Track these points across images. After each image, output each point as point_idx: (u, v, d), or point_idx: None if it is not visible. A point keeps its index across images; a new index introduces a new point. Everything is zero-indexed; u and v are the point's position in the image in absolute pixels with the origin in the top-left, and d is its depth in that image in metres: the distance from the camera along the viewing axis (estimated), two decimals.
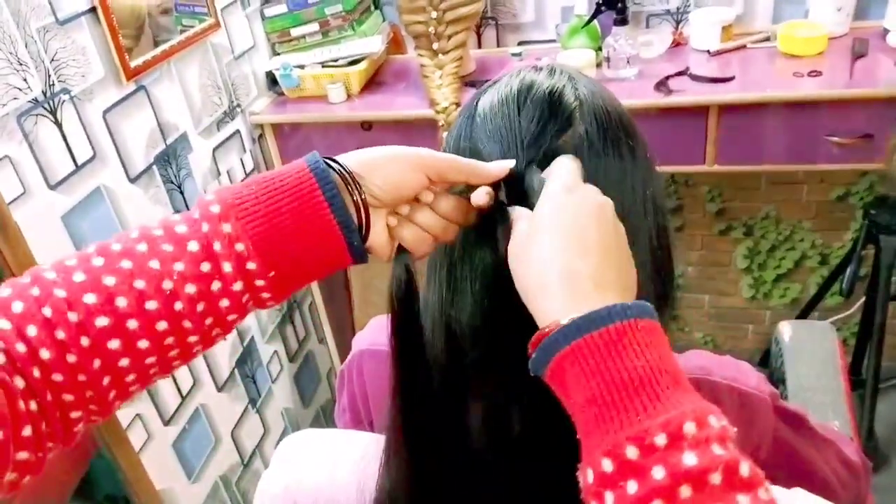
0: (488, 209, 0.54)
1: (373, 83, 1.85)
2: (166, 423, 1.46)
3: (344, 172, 0.52)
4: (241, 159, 1.74)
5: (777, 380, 1.07)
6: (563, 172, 0.51)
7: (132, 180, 1.38)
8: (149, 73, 1.41)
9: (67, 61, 1.22)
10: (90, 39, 1.26)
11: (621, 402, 0.40)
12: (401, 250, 0.56)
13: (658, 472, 0.37)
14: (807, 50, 1.61)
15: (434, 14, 1.61)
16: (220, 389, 1.65)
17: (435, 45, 1.65)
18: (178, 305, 0.48)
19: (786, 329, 1.10)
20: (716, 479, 0.37)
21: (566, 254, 0.45)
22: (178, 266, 0.48)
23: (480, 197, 0.53)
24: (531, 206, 0.51)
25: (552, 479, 0.56)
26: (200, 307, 0.48)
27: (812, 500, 0.61)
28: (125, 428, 1.34)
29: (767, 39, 1.71)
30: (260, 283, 0.50)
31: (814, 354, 1.05)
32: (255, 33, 1.79)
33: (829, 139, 1.50)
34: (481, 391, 0.57)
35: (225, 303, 0.49)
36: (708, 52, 1.71)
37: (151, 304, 0.47)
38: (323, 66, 1.78)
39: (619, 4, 1.64)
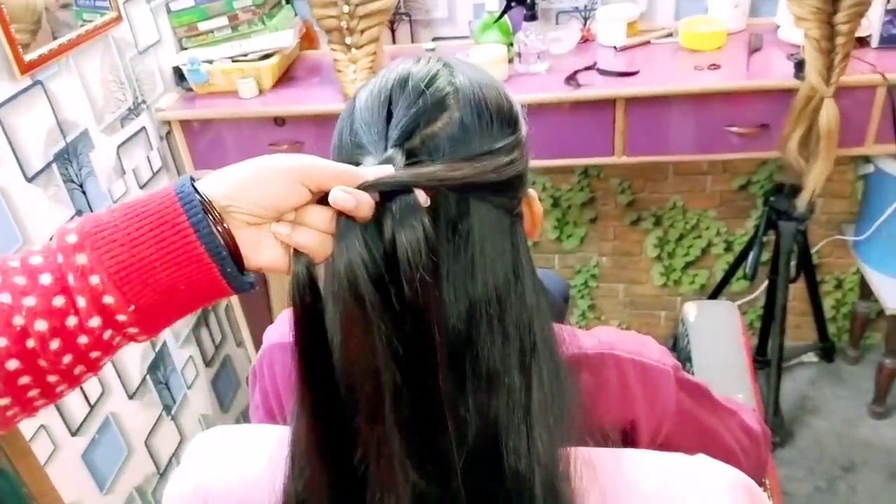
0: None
1: (285, 78, 1.82)
2: (74, 433, 1.40)
3: (204, 202, 0.48)
4: (149, 157, 1.68)
5: (684, 358, 1.12)
6: None
7: (29, 179, 1.31)
8: (45, 67, 1.34)
9: None
10: None
11: None
12: (298, 252, 0.52)
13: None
14: (707, 45, 1.68)
15: (346, 8, 1.59)
16: (131, 397, 1.59)
17: (348, 40, 1.63)
18: (31, 343, 0.44)
19: (691, 309, 1.15)
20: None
21: None
22: (29, 301, 0.44)
23: (365, 211, 0.50)
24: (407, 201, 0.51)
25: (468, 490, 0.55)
26: (55, 345, 0.45)
27: (714, 466, 0.63)
28: (28, 440, 1.28)
29: (670, 35, 1.78)
30: (122, 317, 0.46)
31: (717, 332, 1.10)
32: (161, 27, 1.74)
33: (728, 129, 1.57)
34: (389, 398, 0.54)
35: (84, 339, 0.46)
36: (614, 47, 1.76)
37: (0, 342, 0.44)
38: (233, 61, 1.74)
39: (529, 1, 1.67)
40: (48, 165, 1.36)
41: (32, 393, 0.46)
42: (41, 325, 0.44)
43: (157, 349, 1.69)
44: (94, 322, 0.46)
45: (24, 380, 0.45)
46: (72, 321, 0.45)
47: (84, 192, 1.46)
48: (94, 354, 0.47)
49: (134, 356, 1.61)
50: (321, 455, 0.57)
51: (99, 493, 1.48)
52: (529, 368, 0.56)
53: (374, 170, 0.52)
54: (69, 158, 1.42)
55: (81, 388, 1.42)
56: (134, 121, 1.63)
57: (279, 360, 0.80)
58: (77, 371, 0.47)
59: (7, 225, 1.25)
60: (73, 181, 1.43)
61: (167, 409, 1.73)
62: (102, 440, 1.48)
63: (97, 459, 1.47)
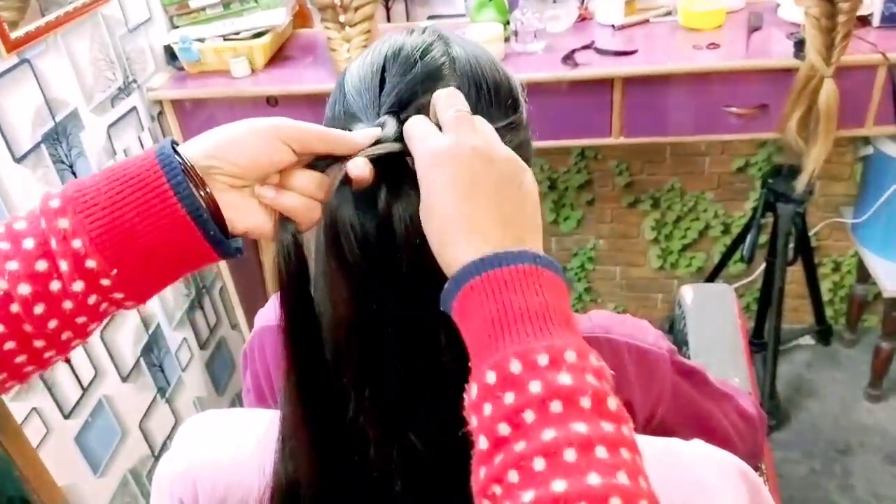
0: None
1: (278, 57, 1.80)
2: (67, 416, 1.39)
3: (185, 164, 0.47)
4: (140, 137, 1.66)
5: (680, 342, 1.11)
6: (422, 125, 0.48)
7: (17, 160, 1.29)
8: (33, 45, 1.32)
9: None
10: None
11: (514, 326, 0.42)
12: (285, 218, 0.51)
13: (535, 386, 0.39)
14: (706, 23, 1.66)
15: None
16: (124, 379, 1.58)
17: (342, 18, 1.61)
18: (14, 307, 0.44)
19: (687, 292, 1.14)
20: (585, 402, 0.39)
21: (464, 203, 0.45)
22: (11, 265, 0.44)
23: (359, 169, 0.49)
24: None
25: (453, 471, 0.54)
26: (39, 309, 0.45)
27: (710, 451, 0.62)
28: (20, 423, 1.27)
29: (669, 13, 1.75)
30: (105, 282, 0.46)
31: (714, 315, 1.09)
32: (151, 5, 1.71)
33: (727, 110, 1.55)
34: (374, 368, 0.54)
35: (68, 304, 0.46)
36: (613, 26, 1.74)
37: None
38: (225, 40, 1.72)
39: None
40: (37, 146, 1.34)
41: (20, 359, 0.46)
42: (24, 289, 0.44)
43: (150, 331, 1.68)
44: (78, 286, 0.46)
45: (10, 345, 0.45)
46: (55, 285, 0.45)
47: (74, 173, 1.44)
48: (80, 320, 0.47)
49: (127, 338, 1.60)
50: (310, 434, 0.57)
51: (93, 476, 1.47)
52: None
53: (363, 132, 0.51)
54: (58, 139, 1.40)
55: (74, 371, 1.41)
56: (124, 100, 1.61)
57: (269, 343, 0.80)
58: (64, 337, 0.47)
59: None
60: (62, 162, 1.41)
61: (161, 391, 1.73)
62: (96, 423, 1.48)
63: (91, 442, 1.46)
